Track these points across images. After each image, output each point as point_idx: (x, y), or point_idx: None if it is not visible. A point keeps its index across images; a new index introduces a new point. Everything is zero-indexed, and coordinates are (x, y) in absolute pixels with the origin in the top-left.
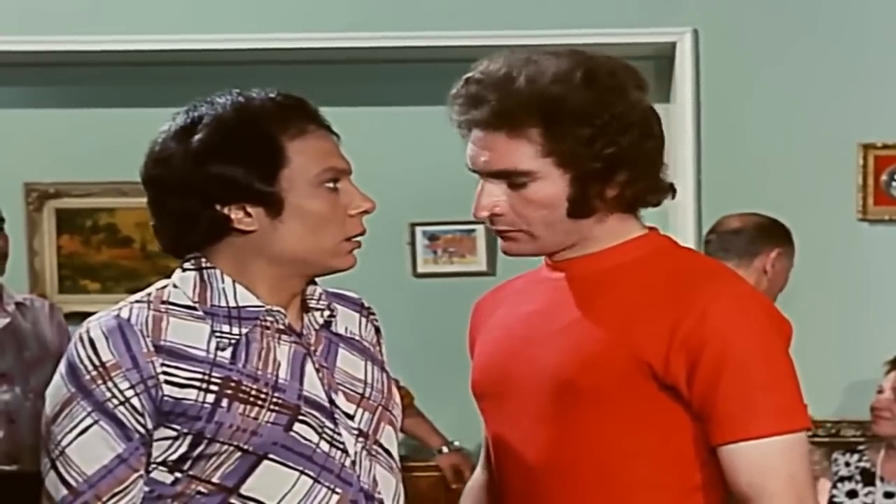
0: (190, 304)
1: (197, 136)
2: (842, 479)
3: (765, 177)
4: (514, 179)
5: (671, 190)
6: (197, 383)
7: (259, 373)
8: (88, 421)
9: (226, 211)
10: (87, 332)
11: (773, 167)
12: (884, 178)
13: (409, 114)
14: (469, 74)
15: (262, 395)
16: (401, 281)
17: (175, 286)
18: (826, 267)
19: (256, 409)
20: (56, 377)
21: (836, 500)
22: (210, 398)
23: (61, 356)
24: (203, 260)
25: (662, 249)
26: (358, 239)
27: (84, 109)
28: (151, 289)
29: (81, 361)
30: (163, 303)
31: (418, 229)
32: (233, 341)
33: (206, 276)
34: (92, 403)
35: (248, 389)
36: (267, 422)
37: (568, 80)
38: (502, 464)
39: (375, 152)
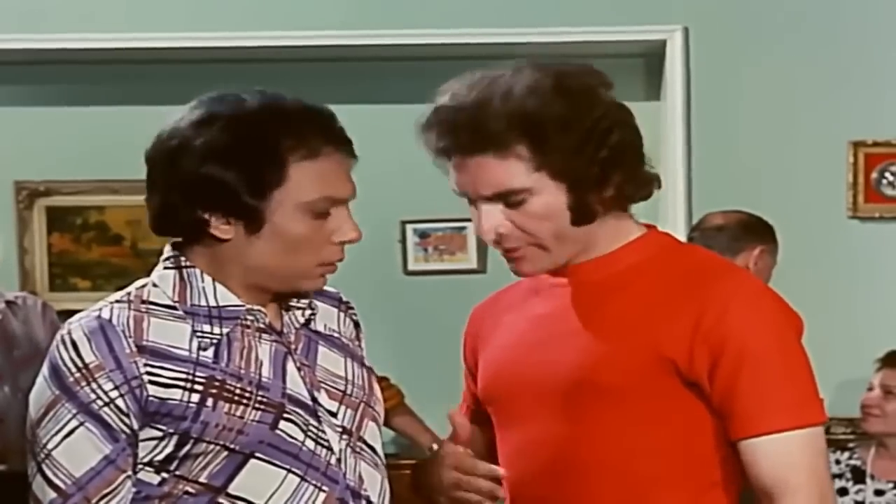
0: (170, 303)
1: (206, 134)
2: (833, 477)
3: (755, 174)
4: (511, 198)
5: (657, 180)
6: (181, 383)
7: (242, 372)
8: (74, 423)
9: (206, 216)
10: (69, 333)
11: (763, 165)
12: (874, 175)
13: (400, 111)
14: (439, 103)
15: (247, 394)
16: (391, 278)
17: (155, 285)
18: (816, 264)
19: (242, 407)
20: (39, 380)
21: None
22: (195, 398)
23: None
24: (182, 259)
25: (668, 247)
26: (334, 264)
27: (74, 108)
28: (131, 288)
29: (65, 363)
30: (143, 302)
31: (409, 227)
32: (214, 341)
33: (185, 276)
34: (77, 405)
35: (232, 388)
36: (253, 420)
37: (541, 93)
38: (516, 465)
39: (366, 150)
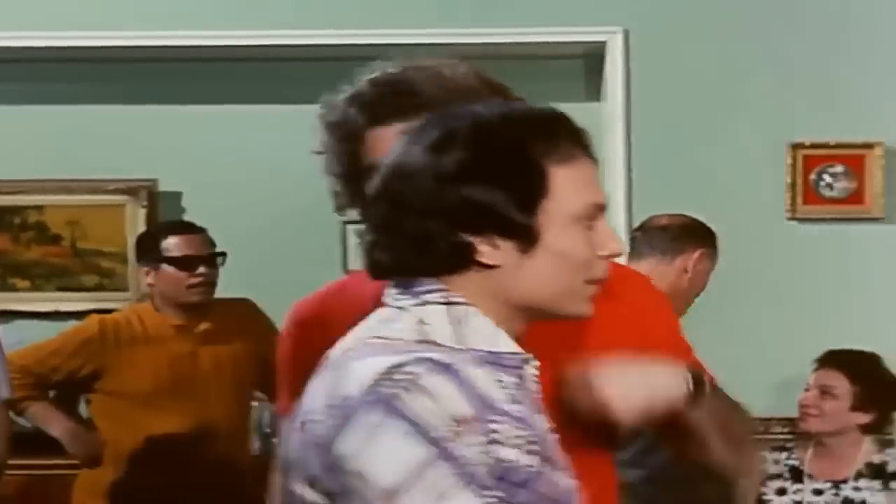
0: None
1: (452, 152)
2: (771, 477)
3: (695, 176)
4: None
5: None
6: (517, 440)
7: (540, 434)
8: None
9: (471, 240)
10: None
11: (703, 167)
12: (812, 177)
13: None
14: (389, 73)
15: (551, 457)
16: None
17: (426, 323)
18: (756, 265)
19: (558, 473)
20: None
21: (765, 497)
22: (533, 460)
23: None
24: (447, 291)
25: None
26: (597, 285)
27: (12, 106)
28: (404, 329)
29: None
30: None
31: None
32: (517, 396)
33: (455, 313)
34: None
35: (545, 452)
36: (566, 489)
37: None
38: None
39: None
